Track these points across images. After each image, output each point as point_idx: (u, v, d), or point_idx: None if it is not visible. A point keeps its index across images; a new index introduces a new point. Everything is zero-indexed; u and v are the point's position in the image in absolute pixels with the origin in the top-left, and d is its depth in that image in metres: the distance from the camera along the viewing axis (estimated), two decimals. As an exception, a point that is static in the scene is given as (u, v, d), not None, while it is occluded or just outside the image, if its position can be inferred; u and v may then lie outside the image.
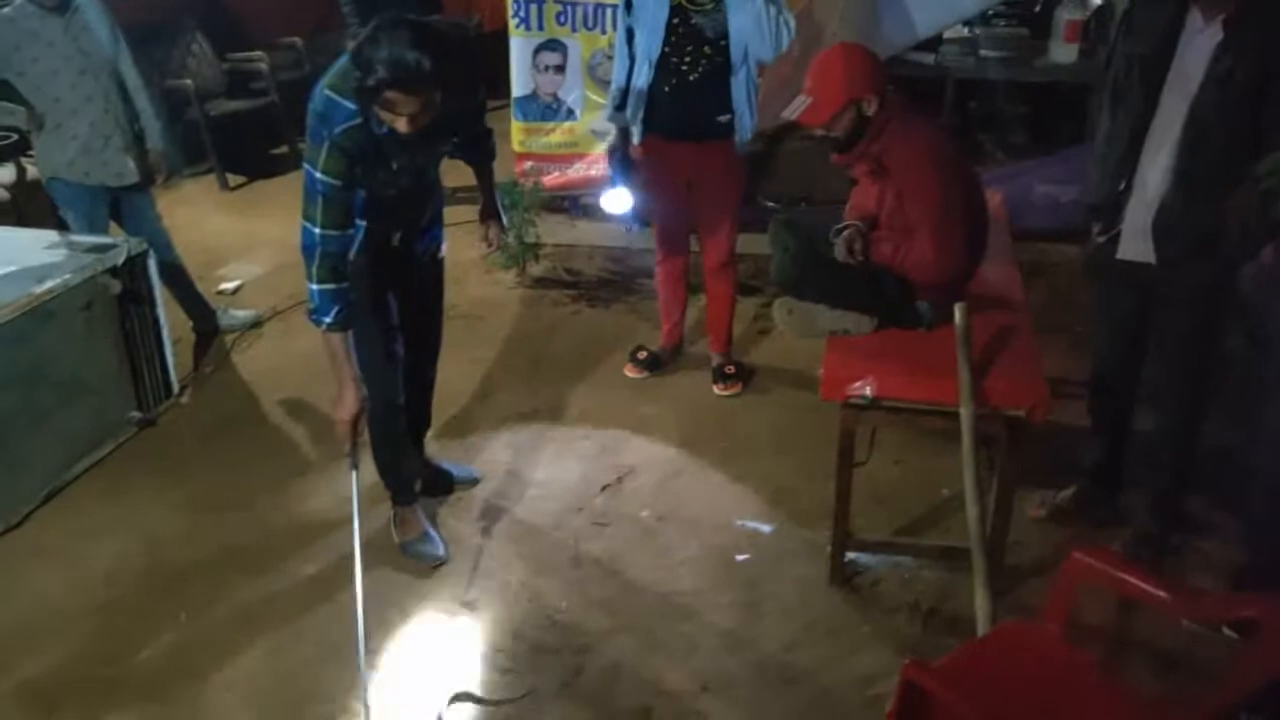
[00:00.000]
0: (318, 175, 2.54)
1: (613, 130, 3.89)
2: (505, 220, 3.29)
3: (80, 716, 2.62)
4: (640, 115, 3.69)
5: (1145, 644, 2.69)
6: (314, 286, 2.62)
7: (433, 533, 3.17)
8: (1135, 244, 2.70)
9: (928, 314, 2.90)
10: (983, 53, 5.36)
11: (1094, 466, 3.14)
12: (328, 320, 2.63)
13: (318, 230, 2.58)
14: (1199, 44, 2.49)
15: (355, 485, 2.72)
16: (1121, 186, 2.67)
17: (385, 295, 2.93)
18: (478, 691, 2.66)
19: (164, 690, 2.69)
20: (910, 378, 2.71)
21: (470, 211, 3.29)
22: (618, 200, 4.13)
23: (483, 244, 3.17)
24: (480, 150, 3.06)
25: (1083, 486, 3.16)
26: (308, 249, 2.61)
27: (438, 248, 3.08)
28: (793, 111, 2.92)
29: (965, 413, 2.57)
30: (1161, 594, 1.95)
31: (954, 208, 2.84)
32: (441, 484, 3.41)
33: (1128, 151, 2.64)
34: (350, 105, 2.50)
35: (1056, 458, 3.31)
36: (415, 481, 3.23)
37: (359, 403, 2.68)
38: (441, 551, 3.13)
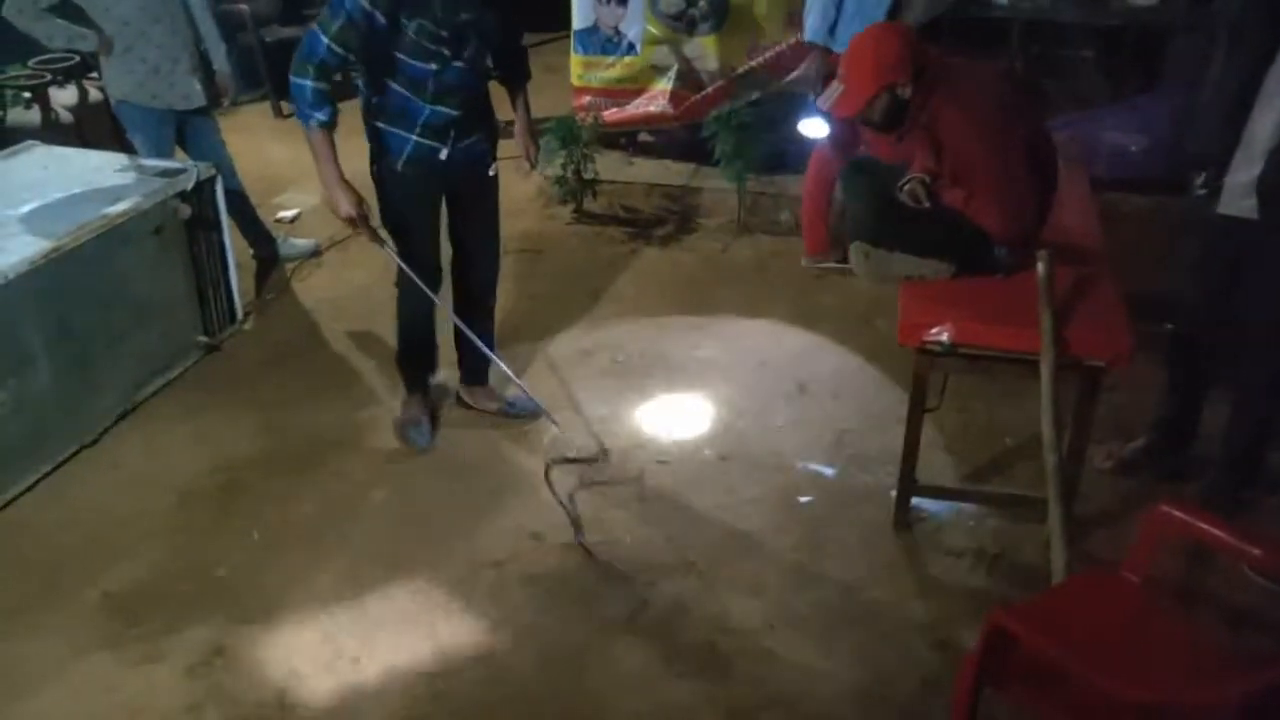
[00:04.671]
0: None
1: (673, 64, 3.78)
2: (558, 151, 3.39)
3: (162, 628, 2.69)
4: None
5: (1215, 599, 2.70)
6: (304, 82, 2.74)
7: (425, 425, 3.37)
8: (1236, 199, 2.62)
9: (1005, 260, 2.86)
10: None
11: (1167, 420, 3.11)
12: (320, 116, 2.76)
13: (325, 40, 2.71)
14: None
15: (393, 255, 3.04)
16: (1230, 137, 2.59)
17: (427, 208, 3.05)
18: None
19: (240, 607, 2.76)
20: (989, 324, 2.68)
21: (522, 144, 3.32)
22: (817, 126, 4.08)
23: (524, 162, 3.28)
24: (516, 67, 3.16)
25: (1152, 439, 3.14)
26: (307, 51, 2.72)
27: (485, 162, 3.13)
28: (827, 100, 2.85)
29: (1046, 361, 2.54)
30: (1254, 550, 1.94)
31: (1014, 169, 2.76)
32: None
33: (1240, 98, 2.55)
34: None
35: (1123, 409, 3.29)
36: (427, 376, 3.43)
37: (353, 198, 2.85)
38: (424, 443, 3.33)
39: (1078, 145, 3.61)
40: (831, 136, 4.03)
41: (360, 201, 2.90)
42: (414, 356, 3.38)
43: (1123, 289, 2.80)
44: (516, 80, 3.20)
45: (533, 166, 3.34)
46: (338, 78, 2.83)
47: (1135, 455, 3.16)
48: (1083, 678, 1.73)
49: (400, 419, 3.38)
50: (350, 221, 2.92)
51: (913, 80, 2.74)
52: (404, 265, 3.07)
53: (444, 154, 2.95)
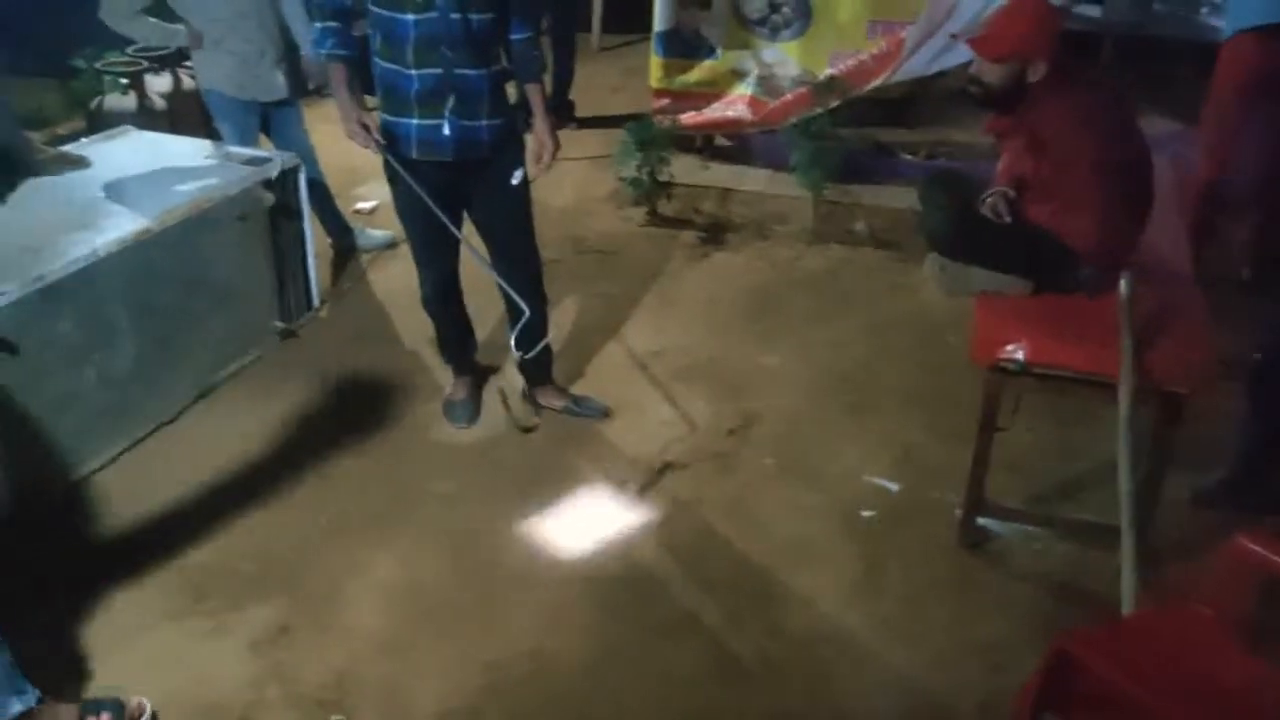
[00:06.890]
0: None
1: (753, 69, 3.74)
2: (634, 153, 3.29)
3: (225, 604, 2.76)
4: None
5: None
6: (314, 22, 3.09)
7: (468, 405, 3.51)
8: None
9: (1089, 281, 2.79)
10: (1156, 7, 5.06)
11: (1245, 452, 3.01)
12: (322, 49, 3.04)
13: None
14: None
15: (390, 159, 3.04)
16: None
17: (420, 199, 3.00)
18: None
19: (302, 590, 2.82)
20: (1066, 344, 2.62)
21: (600, 144, 3.28)
22: None
23: (541, 157, 3.15)
24: (521, 56, 3.07)
25: (1233, 471, 3.03)
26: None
27: (502, 163, 3.09)
28: (966, 35, 2.82)
29: (1125, 386, 2.48)
30: (1336, 588, 1.86)
31: (1116, 181, 2.70)
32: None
33: None
34: None
35: (1204, 439, 3.17)
36: (463, 359, 3.56)
37: (356, 116, 2.98)
38: (462, 424, 3.47)
39: (1173, 165, 3.51)
40: None
41: (362, 119, 2.98)
42: (442, 340, 3.55)
43: (1210, 314, 2.72)
44: (519, 72, 3.10)
45: (547, 167, 3.16)
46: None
47: (1214, 487, 3.05)
48: (1150, 709, 1.68)
49: (444, 398, 3.55)
50: (362, 139, 3.01)
51: (1044, 70, 2.67)
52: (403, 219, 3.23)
53: (446, 129, 2.93)
